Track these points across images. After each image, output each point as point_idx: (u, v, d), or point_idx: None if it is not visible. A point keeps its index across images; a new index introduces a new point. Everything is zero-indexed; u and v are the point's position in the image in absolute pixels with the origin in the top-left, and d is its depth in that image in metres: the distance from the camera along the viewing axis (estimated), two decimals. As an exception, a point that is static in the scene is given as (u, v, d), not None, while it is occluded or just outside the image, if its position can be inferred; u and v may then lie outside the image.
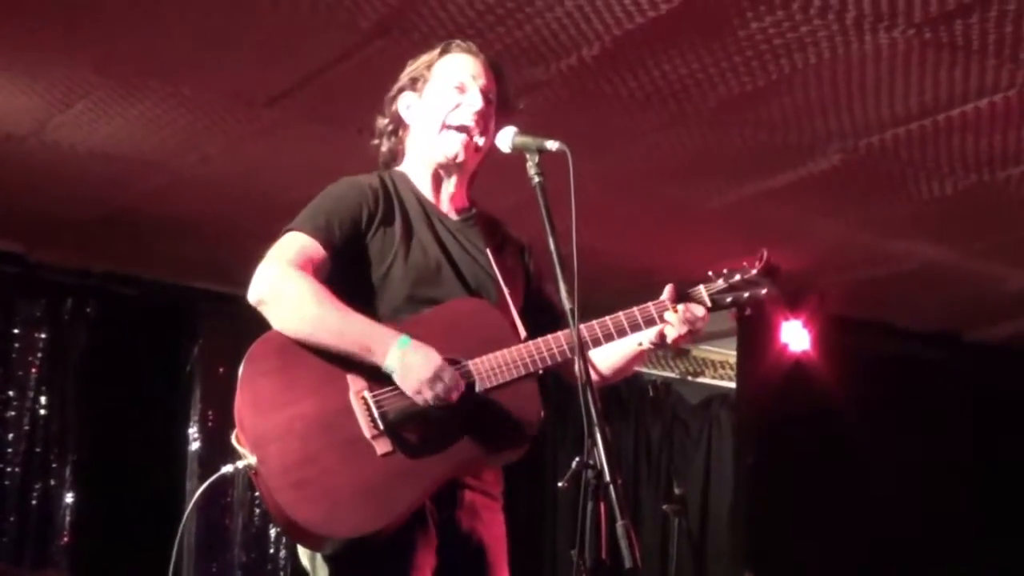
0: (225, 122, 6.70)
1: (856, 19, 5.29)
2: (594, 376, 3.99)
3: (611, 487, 3.23)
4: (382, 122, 4.18)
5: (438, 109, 4.03)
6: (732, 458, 10.13)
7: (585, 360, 3.50)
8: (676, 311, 3.99)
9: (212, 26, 5.64)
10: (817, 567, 9.37)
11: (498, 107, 4.11)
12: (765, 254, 4.17)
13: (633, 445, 11.16)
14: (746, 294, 4.13)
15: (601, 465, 3.27)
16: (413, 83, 4.11)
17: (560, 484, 3.42)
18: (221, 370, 9.58)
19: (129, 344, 9.64)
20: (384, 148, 4.18)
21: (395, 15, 5.41)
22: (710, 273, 4.14)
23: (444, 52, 4.13)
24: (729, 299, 4.12)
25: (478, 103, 4.03)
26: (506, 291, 4.03)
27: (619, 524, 3.20)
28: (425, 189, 4.09)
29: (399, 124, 4.14)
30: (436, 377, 3.67)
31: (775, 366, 9.42)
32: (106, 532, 9.28)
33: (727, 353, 10.85)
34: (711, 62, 5.76)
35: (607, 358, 4.14)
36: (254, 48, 5.85)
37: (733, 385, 10.19)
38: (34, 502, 9.31)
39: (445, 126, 4.02)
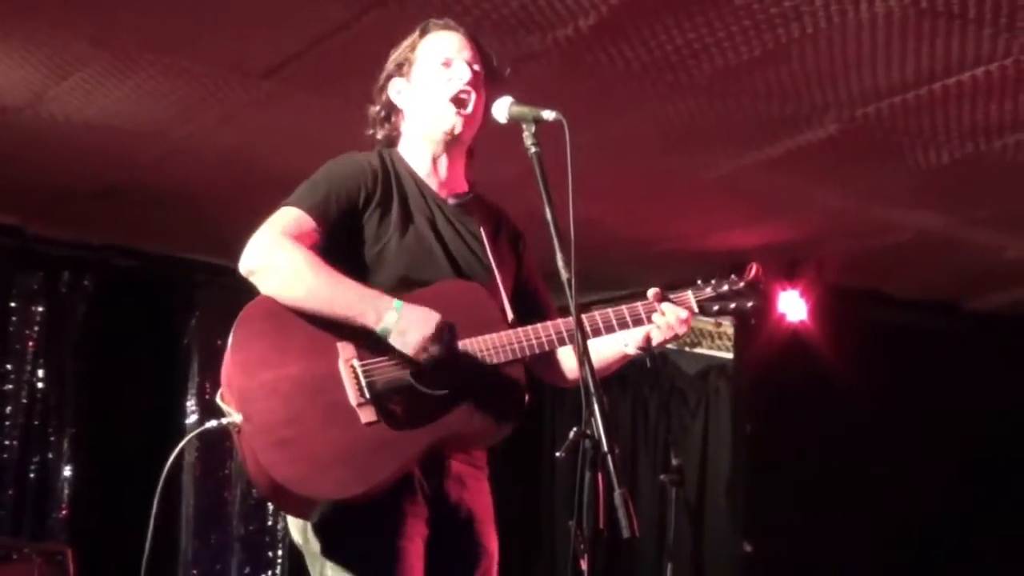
0: (222, 93, 6.69)
1: (853, -12, 5.28)
2: (576, 376, 4.11)
3: (609, 457, 3.25)
4: (374, 110, 4.21)
5: (429, 87, 4.07)
6: (730, 429, 10.14)
7: (582, 332, 3.52)
8: (663, 313, 4.01)
9: (208, -3, 5.63)
10: (815, 538, 9.38)
11: (485, 76, 4.14)
12: (755, 267, 4.19)
13: (631, 415, 11.17)
14: (732, 304, 4.16)
15: (599, 435, 3.28)
16: (399, 68, 4.15)
17: (558, 454, 3.45)
18: (219, 342, 9.52)
19: (126, 317, 9.66)
20: (379, 135, 4.20)
21: (391, -14, 5.41)
22: (699, 280, 4.16)
23: (424, 33, 4.17)
24: (716, 307, 4.15)
25: (466, 74, 4.06)
26: (498, 277, 4.08)
27: (617, 494, 3.22)
28: (423, 171, 4.12)
29: (391, 110, 4.17)
30: (439, 332, 3.73)
31: (773, 336, 9.41)
32: (104, 505, 9.29)
33: (724, 323, 10.87)
34: (707, 32, 5.75)
35: (599, 353, 4.13)
36: (251, 19, 5.84)
37: (730, 356, 10.20)
38: (32, 475, 9.34)
39: (438, 102, 4.05)
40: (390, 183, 4.03)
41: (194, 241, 9.56)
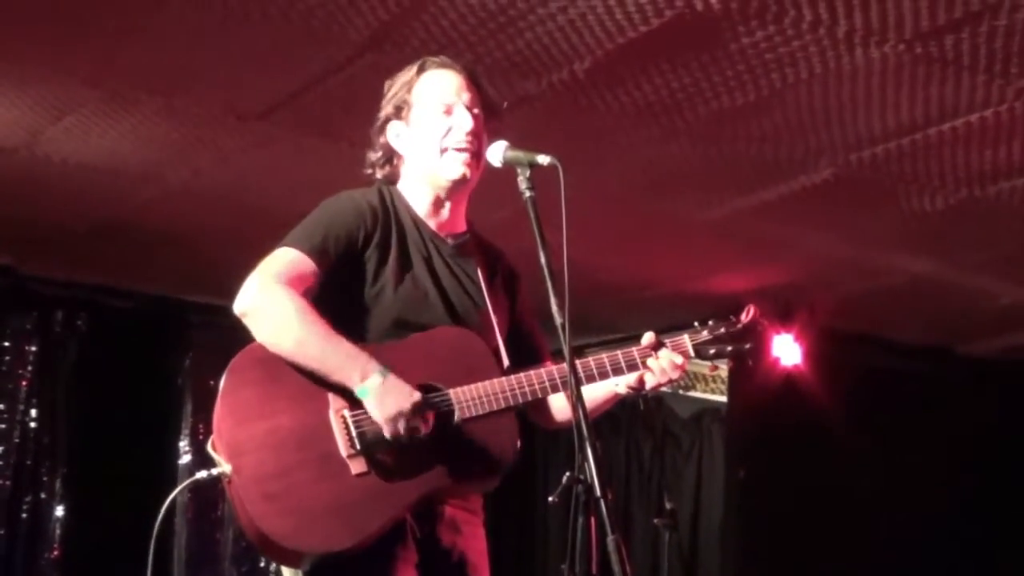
0: (216, 135, 6.69)
1: (847, 34, 5.29)
2: (565, 418, 4.08)
3: (601, 502, 3.24)
4: (373, 155, 4.17)
5: (430, 136, 4.03)
6: (723, 472, 10.12)
7: (576, 377, 3.52)
8: (658, 358, 4.01)
9: (204, 39, 5.63)
10: (808, 581, 9.37)
11: (484, 115, 4.11)
12: (752, 309, 4.20)
13: (624, 459, 11.16)
14: (729, 347, 4.16)
15: (592, 480, 3.28)
16: (398, 111, 4.10)
17: (551, 499, 3.44)
18: (212, 382, 9.53)
19: (120, 357, 9.64)
20: (379, 176, 4.17)
21: (387, 28, 5.41)
22: (696, 323, 4.16)
23: (421, 71, 4.11)
24: (712, 351, 4.16)
25: (468, 123, 4.02)
26: (494, 320, 4.05)
27: (610, 539, 3.21)
28: (422, 211, 4.09)
29: (391, 154, 4.13)
30: (412, 412, 3.70)
31: (766, 380, 9.41)
32: (96, 545, 9.26)
33: (720, 367, 10.84)
34: (702, 76, 5.76)
35: (591, 397, 4.08)
36: (246, 61, 5.85)
37: (724, 399, 10.19)
38: (24, 515, 9.30)
39: (443, 151, 4.02)
40: (389, 223, 4.00)
41: (188, 282, 9.55)
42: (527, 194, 3.68)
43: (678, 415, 11.02)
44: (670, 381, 4.04)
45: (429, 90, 4.07)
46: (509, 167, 3.77)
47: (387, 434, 3.69)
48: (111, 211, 7.99)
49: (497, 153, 3.81)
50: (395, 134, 4.10)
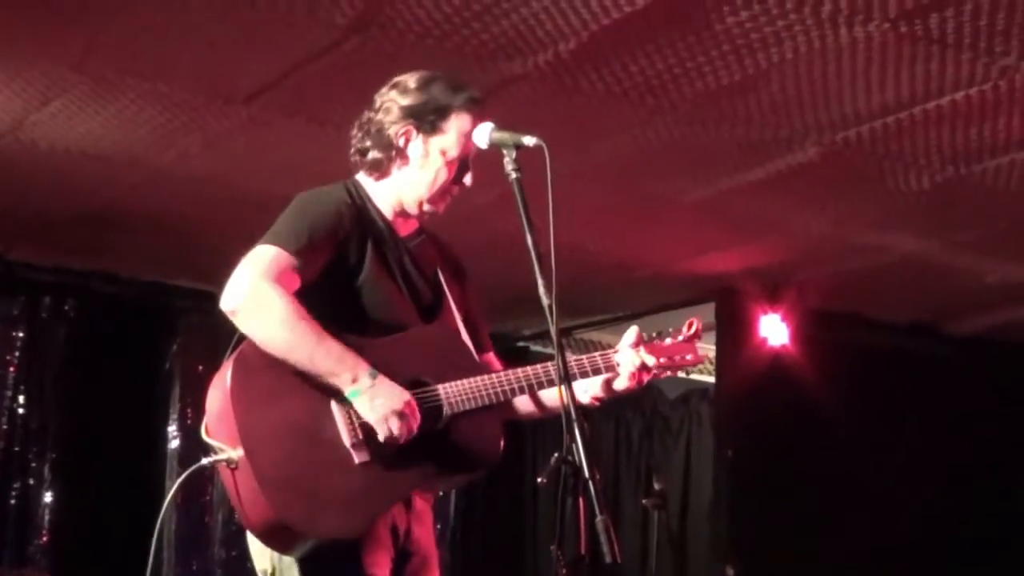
0: (203, 119, 6.68)
1: (831, 13, 5.29)
2: (526, 410, 4.22)
3: (590, 482, 3.27)
4: (376, 152, 4.11)
5: (441, 178, 4.08)
6: (712, 453, 10.13)
7: (563, 358, 3.54)
8: (629, 360, 4.13)
9: (190, 22, 5.62)
10: (797, 561, 9.38)
11: None
12: (696, 323, 4.30)
13: (612, 440, 11.17)
14: (676, 357, 4.26)
15: (580, 461, 3.30)
16: (428, 124, 4.06)
17: (539, 480, 3.46)
18: (200, 368, 9.55)
19: (108, 342, 9.63)
20: (366, 161, 4.15)
21: (372, 11, 5.40)
22: (643, 335, 4.20)
23: (466, 106, 4.08)
24: (663, 359, 4.22)
25: (470, 181, 4.11)
26: (457, 315, 4.16)
27: (598, 519, 3.24)
28: (388, 212, 4.14)
29: (398, 157, 4.09)
30: (401, 411, 3.78)
31: (754, 360, 9.44)
32: (85, 531, 9.27)
33: (706, 347, 10.83)
34: (687, 56, 5.76)
35: (552, 399, 4.19)
36: (232, 44, 5.84)
37: (712, 379, 10.20)
38: (13, 501, 9.30)
39: (442, 192, 4.10)
40: (363, 223, 4.05)
41: (176, 267, 9.54)
42: (513, 175, 3.71)
43: (666, 395, 11.03)
44: (637, 386, 4.13)
45: (463, 132, 4.05)
46: (495, 148, 3.79)
47: (380, 436, 3.77)
48: (98, 196, 7.98)
49: (483, 135, 3.84)
50: (413, 141, 4.07)
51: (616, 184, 7.52)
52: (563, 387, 3.44)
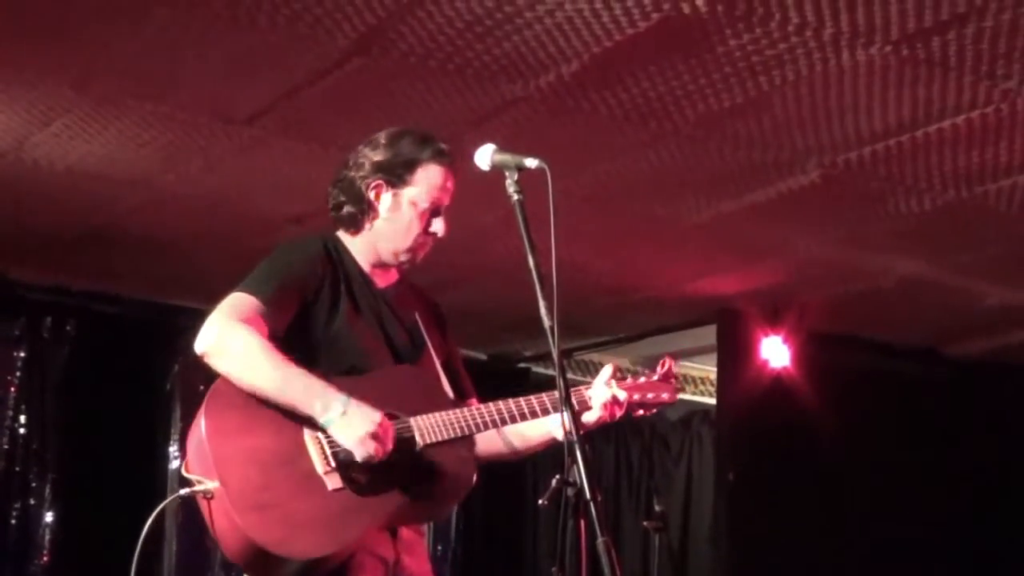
0: (204, 140, 6.68)
1: (834, 36, 5.30)
2: (490, 451, 4.32)
3: (591, 504, 3.26)
4: (350, 206, 4.25)
5: (412, 230, 4.20)
6: (713, 474, 10.13)
7: (563, 376, 3.53)
8: (600, 395, 4.25)
9: (191, 44, 5.62)
10: (798, 583, 9.38)
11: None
12: (668, 362, 4.42)
13: (614, 462, 11.17)
14: (650, 395, 4.36)
15: (581, 482, 3.29)
16: (397, 177, 4.20)
17: (541, 502, 3.47)
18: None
19: (109, 362, 9.61)
20: (344, 212, 4.27)
21: (374, 33, 5.40)
22: (618, 373, 4.31)
23: (433, 159, 4.22)
24: (636, 396, 4.32)
25: (443, 230, 4.21)
26: (437, 362, 4.24)
27: (599, 541, 3.24)
28: (366, 265, 4.25)
29: (370, 212, 4.23)
30: (375, 432, 3.84)
31: (755, 382, 9.44)
32: (85, 551, 9.24)
33: (707, 369, 10.86)
34: (690, 79, 5.76)
35: (525, 436, 4.34)
36: (233, 66, 5.84)
37: (713, 401, 10.21)
38: (13, 521, 9.27)
39: (416, 244, 4.22)
40: (338, 273, 4.15)
41: (177, 287, 9.53)
42: (515, 197, 3.72)
43: (667, 417, 11.04)
44: (609, 418, 4.21)
45: (431, 184, 4.21)
46: (497, 170, 3.80)
47: (358, 457, 3.84)
48: (99, 216, 7.98)
49: (485, 156, 3.84)
50: (383, 196, 4.21)
51: (618, 206, 7.52)
52: (564, 409, 3.43)
